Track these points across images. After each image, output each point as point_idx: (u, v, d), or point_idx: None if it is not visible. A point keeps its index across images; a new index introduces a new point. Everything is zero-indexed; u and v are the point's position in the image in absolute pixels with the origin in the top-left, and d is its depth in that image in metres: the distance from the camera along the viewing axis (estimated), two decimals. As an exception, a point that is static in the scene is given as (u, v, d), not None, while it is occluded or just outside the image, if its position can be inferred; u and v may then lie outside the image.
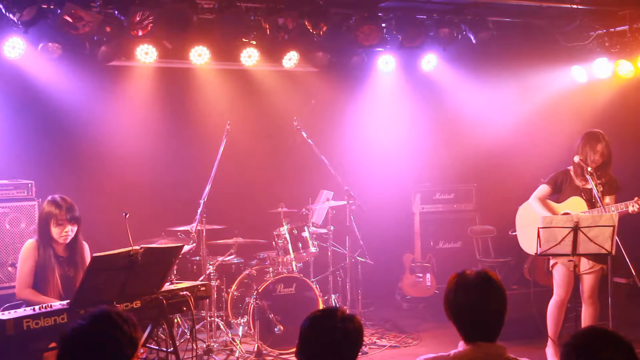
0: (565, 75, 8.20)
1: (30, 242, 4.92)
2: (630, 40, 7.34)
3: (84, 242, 5.06)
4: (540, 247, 5.25)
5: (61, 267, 4.90)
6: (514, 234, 6.08)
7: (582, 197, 5.68)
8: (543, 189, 5.85)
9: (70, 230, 4.89)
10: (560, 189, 5.82)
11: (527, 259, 7.29)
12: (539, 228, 5.25)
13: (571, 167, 5.79)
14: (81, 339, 2.44)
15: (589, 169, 5.51)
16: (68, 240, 4.91)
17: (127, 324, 2.51)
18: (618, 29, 7.44)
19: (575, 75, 8.15)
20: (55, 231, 4.86)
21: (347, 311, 2.74)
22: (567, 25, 7.29)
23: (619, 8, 7.19)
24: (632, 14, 7.20)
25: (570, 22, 7.22)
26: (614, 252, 5.19)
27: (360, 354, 2.72)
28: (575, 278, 5.66)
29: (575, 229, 5.14)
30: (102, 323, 2.47)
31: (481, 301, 2.78)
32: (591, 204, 5.65)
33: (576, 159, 5.62)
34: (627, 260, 5.40)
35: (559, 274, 5.70)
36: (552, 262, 5.73)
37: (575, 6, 6.94)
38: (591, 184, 5.47)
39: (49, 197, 4.96)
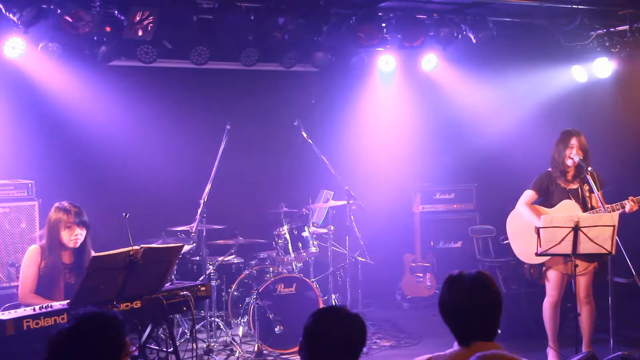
0: (565, 75, 8.20)
1: (33, 248, 4.86)
2: (630, 40, 7.34)
3: (93, 251, 4.95)
4: (540, 247, 5.25)
5: (64, 275, 4.84)
6: (505, 242, 6.06)
7: (572, 199, 5.66)
8: (528, 194, 5.78)
9: (80, 234, 4.84)
10: (547, 191, 5.77)
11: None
12: (539, 228, 5.25)
13: (551, 169, 5.78)
14: (65, 341, 2.45)
15: (590, 168, 5.51)
16: (78, 244, 4.85)
17: (112, 325, 2.51)
18: (618, 28, 7.44)
19: (575, 75, 8.15)
20: (65, 235, 4.80)
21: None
22: (567, 25, 7.29)
23: (619, 8, 7.19)
24: (632, 13, 7.20)
25: (571, 21, 7.22)
26: (614, 252, 5.20)
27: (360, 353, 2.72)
28: (569, 279, 5.66)
29: (576, 228, 5.13)
30: (86, 326, 2.48)
31: (475, 303, 2.79)
32: (583, 205, 5.64)
33: (575, 160, 5.62)
34: (627, 260, 5.41)
35: (551, 276, 5.71)
36: (545, 265, 5.72)
37: (575, 6, 6.94)
38: (590, 184, 5.47)
39: (56, 204, 4.90)
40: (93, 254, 4.88)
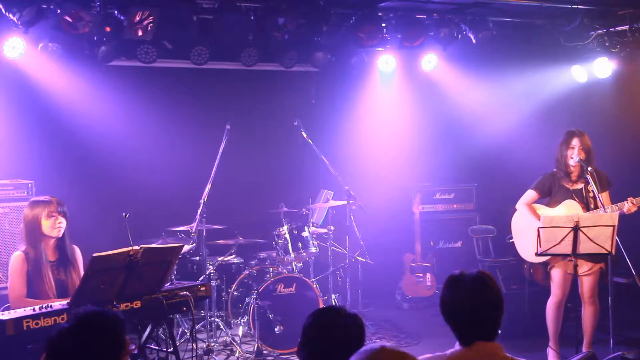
0: (565, 75, 8.20)
1: (17, 255, 4.75)
2: (630, 40, 7.34)
3: (75, 246, 4.94)
4: (540, 246, 5.24)
5: (52, 272, 4.79)
6: (511, 240, 6.07)
7: (575, 200, 5.66)
8: (529, 194, 5.79)
9: (62, 222, 4.78)
10: (549, 192, 5.77)
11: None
12: (539, 228, 5.24)
13: (555, 170, 5.78)
14: (66, 342, 2.45)
15: (590, 168, 5.51)
16: (61, 234, 4.80)
17: (112, 324, 2.51)
18: (618, 28, 7.44)
19: (575, 75, 8.15)
20: (46, 224, 4.72)
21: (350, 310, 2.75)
22: (567, 25, 7.29)
23: (619, 8, 7.19)
24: (632, 13, 7.20)
25: (571, 21, 7.22)
26: (614, 252, 5.19)
27: (360, 353, 2.72)
28: (574, 279, 5.66)
29: (576, 228, 5.13)
30: (86, 325, 2.48)
31: (476, 303, 2.79)
32: (585, 205, 5.64)
33: (576, 160, 5.62)
34: (627, 260, 5.40)
35: (556, 276, 5.70)
36: (549, 265, 5.72)
37: (575, 6, 6.94)
38: (591, 184, 5.47)
39: (31, 199, 4.88)
40: (77, 249, 4.94)
